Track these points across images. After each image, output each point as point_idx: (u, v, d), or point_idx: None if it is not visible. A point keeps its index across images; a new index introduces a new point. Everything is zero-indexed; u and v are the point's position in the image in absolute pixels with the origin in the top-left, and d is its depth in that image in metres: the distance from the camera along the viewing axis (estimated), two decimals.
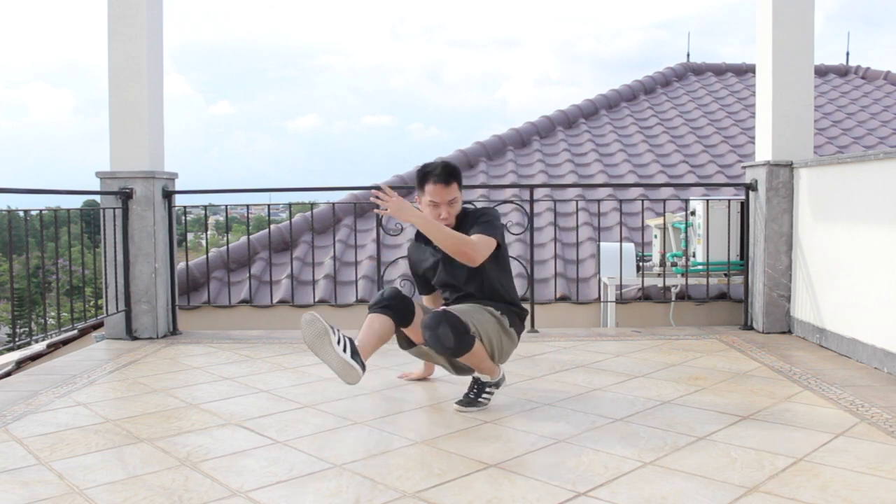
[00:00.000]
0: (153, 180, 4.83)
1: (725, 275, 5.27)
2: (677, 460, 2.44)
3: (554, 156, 8.84)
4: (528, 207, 5.06)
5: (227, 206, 5.73)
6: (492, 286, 3.18)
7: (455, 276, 3.19)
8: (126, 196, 4.78)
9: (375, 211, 3.18)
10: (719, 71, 11.85)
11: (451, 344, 2.91)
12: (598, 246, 5.51)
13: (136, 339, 4.82)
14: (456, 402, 3.08)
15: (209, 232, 7.44)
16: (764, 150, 4.86)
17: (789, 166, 4.74)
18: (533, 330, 4.81)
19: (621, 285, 5.39)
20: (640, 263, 5.56)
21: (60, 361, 4.28)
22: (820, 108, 10.02)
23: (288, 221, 6.71)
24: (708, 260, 5.21)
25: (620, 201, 6.02)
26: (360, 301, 5.89)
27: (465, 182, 8.76)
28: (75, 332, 5.81)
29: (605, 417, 2.94)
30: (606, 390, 3.36)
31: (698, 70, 11.86)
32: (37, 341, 6.01)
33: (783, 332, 4.76)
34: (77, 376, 3.79)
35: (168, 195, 4.96)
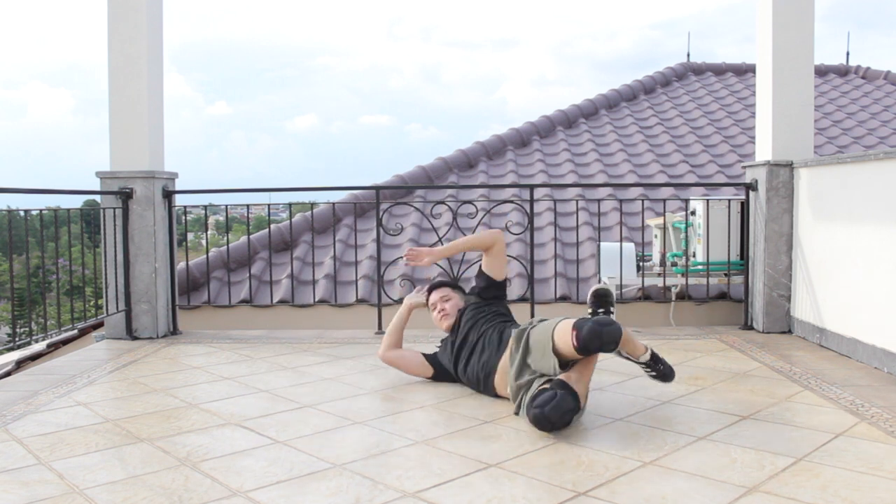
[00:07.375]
0: (153, 180, 4.83)
1: (725, 275, 5.27)
2: (677, 460, 2.44)
3: (554, 156, 8.84)
4: (528, 207, 5.06)
5: (227, 205, 5.73)
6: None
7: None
8: (126, 196, 4.78)
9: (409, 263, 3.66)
10: (719, 71, 11.84)
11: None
12: (598, 246, 5.51)
13: (136, 338, 4.83)
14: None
15: (209, 232, 7.44)
16: (764, 150, 4.86)
17: (789, 166, 4.74)
18: None
19: (621, 285, 5.39)
20: (640, 263, 5.55)
21: (60, 361, 4.28)
22: (820, 108, 10.01)
23: (288, 221, 6.71)
24: (708, 260, 5.21)
25: (620, 201, 6.01)
26: (360, 301, 5.88)
27: (465, 182, 8.74)
28: (75, 332, 5.81)
29: (605, 417, 2.94)
30: (606, 390, 3.36)
31: (698, 70, 11.85)
32: (37, 341, 6.00)
33: (783, 332, 4.75)
34: (77, 376, 3.79)
35: (168, 195, 4.97)
